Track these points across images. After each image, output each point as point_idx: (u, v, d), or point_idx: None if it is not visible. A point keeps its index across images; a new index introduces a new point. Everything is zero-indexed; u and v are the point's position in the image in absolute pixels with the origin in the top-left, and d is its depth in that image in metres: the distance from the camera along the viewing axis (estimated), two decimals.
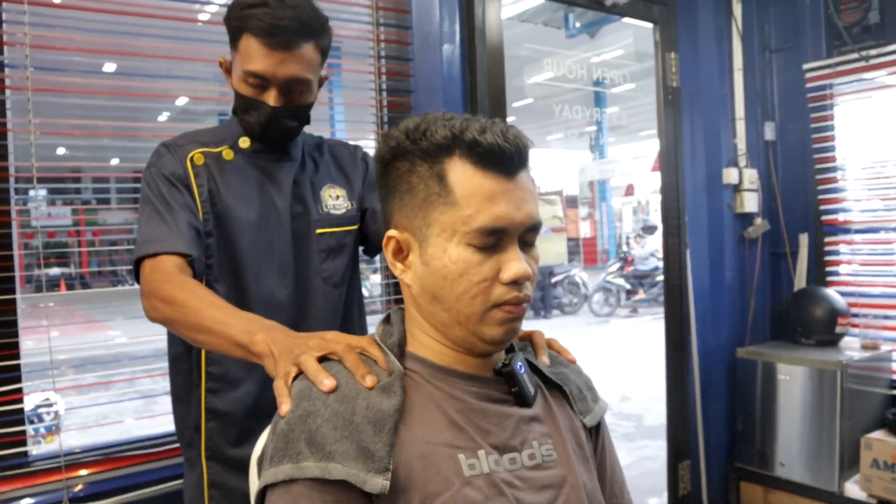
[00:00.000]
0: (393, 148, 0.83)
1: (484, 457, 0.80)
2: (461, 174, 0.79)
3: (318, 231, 1.36)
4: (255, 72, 1.22)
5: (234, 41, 1.25)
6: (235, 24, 1.23)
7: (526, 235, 0.82)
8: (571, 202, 17.62)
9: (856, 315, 3.01)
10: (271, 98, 1.24)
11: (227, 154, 1.31)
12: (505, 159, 0.79)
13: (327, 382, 0.79)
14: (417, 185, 0.81)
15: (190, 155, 1.28)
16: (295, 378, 0.83)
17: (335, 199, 1.40)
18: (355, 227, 1.42)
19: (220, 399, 1.29)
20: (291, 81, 1.25)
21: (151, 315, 1.14)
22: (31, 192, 1.78)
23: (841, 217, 3.14)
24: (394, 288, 2.22)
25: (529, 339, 1.01)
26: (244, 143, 1.32)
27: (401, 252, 0.85)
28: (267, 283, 1.31)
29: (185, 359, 1.33)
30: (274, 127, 1.28)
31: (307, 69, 1.25)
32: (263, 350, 0.92)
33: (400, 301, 0.91)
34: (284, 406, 0.80)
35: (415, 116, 0.84)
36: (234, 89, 1.29)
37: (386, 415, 0.77)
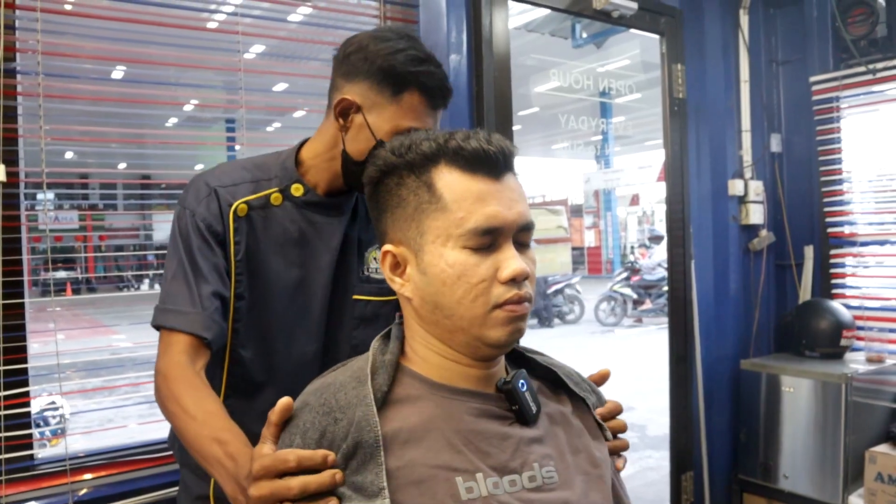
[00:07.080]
0: (380, 167, 0.84)
1: (482, 479, 0.77)
2: (449, 179, 0.80)
3: (355, 297, 1.29)
4: (414, 129, 1.15)
5: (395, 91, 1.16)
6: (404, 75, 1.16)
7: (520, 235, 0.82)
8: (576, 211, 17.62)
9: (861, 328, 3.01)
10: None
11: (276, 199, 1.24)
12: (490, 161, 0.80)
13: None
14: (407, 197, 0.82)
15: (234, 207, 1.20)
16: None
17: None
18: (395, 297, 1.31)
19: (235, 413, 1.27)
20: None
21: (156, 395, 1.08)
22: (40, 196, 1.80)
23: (847, 230, 3.14)
24: None
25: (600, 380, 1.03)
26: (297, 190, 1.24)
27: (398, 266, 0.85)
28: (297, 348, 1.26)
29: None
30: None
31: None
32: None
33: None
34: None
35: (399, 137, 0.85)
36: (374, 135, 1.18)
37: (367, 446, 0.76)
